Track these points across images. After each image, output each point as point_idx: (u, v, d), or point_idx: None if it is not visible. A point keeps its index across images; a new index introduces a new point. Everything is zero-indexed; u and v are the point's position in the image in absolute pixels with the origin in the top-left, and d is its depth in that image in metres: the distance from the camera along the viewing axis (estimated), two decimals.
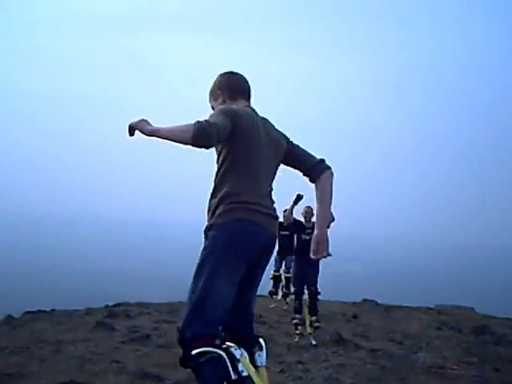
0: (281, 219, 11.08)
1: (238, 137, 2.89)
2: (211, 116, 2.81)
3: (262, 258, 3.07)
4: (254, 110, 3.16)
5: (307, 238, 8.21)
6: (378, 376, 6.42)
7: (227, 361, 2.79)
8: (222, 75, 3.28)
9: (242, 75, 3.30)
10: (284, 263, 11.42)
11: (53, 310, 10.25)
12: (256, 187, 2.94)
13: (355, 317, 10.54)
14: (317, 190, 3.15)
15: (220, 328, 2.88)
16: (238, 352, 2.86)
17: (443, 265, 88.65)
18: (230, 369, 2.78)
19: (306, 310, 8.47)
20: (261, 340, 3.12)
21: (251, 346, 3.05)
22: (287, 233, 10.81)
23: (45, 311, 10.15)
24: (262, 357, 3.10)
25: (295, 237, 8.71)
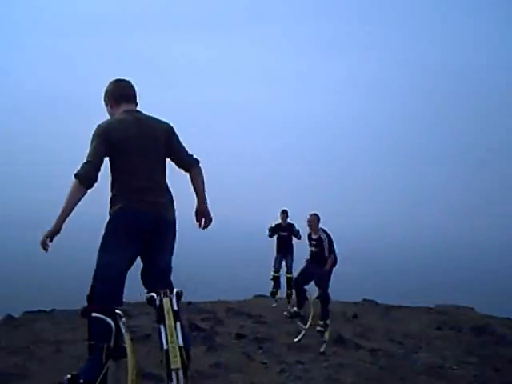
0: (278, 221, 11.38)
1: (112, 148, 3.67)
2: (88, 150, 3.68)
3: (153, 233, 3.78)
4: (136, 111, 3.87)
5: (313, 249, 8.36)
6: (377, 376, 6.42)
7: (113, 330, 3.64)
8: (109, 83, 3.93)
9: (126, 81, 3.94)
10: (285, 263, 11.45)
11: (53, 310, 10.25)
12: (134, 184, 3.71)
13: (355, 317, 10.54)
14: (191, 180, 4.09)
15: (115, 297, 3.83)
16: (124, 327, 3.72)
17: (443, 265, 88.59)
18: (113, 337, 3.66)
19: (312, 310, 8.46)
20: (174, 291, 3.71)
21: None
22: (286, 233, 10.99)
23: (45, 311, 10.14)
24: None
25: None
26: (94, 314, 3.65)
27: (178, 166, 4.07)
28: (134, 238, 3.80)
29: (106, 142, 3.66)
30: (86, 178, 3.60)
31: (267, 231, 11.34)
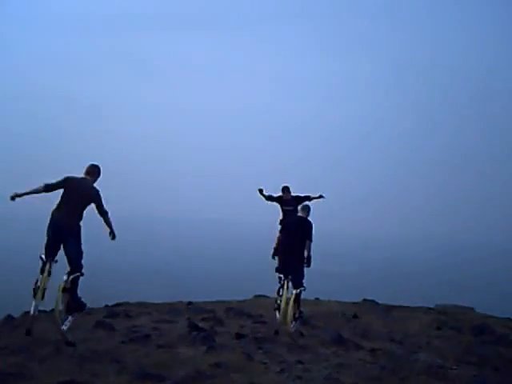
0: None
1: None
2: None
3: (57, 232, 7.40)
4: (84, 178, 7.53)
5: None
6: (378, 376, 6.42)
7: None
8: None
9: (90, 164, 7.66)
10: None
11: (53, 310, 10.23)
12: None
13: (355, 317, 10.53)
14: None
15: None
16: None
17: (443, 265, 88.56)
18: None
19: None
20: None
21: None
22: (291, 208, 10.41)
23: (45, 311, 10.13)
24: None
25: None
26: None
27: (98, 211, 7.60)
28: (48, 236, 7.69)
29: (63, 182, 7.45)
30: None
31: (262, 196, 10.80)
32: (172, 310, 10.25)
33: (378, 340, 8.52)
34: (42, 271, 7.11)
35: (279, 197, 10.88)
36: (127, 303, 11.17)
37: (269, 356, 7.06)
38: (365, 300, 12.82)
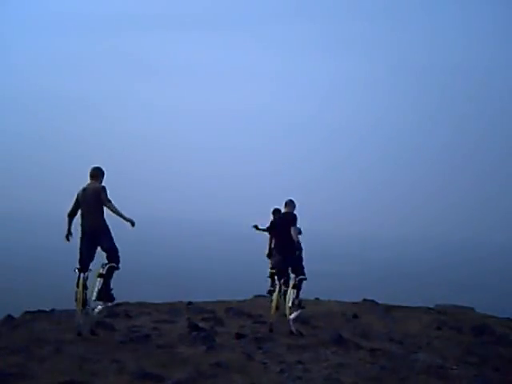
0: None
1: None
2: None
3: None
4: (88, 184, 8.13)
5: None
6: (377, 376, 6.42)
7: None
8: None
9: (91, 168, 8.19)
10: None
11: (53, 310, 10.23)
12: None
13: (355, 317, 10.53)
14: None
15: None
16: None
17: (443, 265, 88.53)
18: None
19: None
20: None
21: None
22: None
23: (45, 311, 10.13)
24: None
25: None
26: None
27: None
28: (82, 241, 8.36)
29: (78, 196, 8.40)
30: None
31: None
32: (172, 309, 10.25)
33: (378, 340, 8.51)
34: (78, 285, 7.94)
35: (272, 222, 10.67)
36: (127, 303, 11.15)
37: (269, 356, 7.06)
38: (365, 300, 12.80)
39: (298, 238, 9.15)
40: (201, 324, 8.73)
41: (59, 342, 7.21)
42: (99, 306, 8.09)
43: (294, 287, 9.09)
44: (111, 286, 8.13)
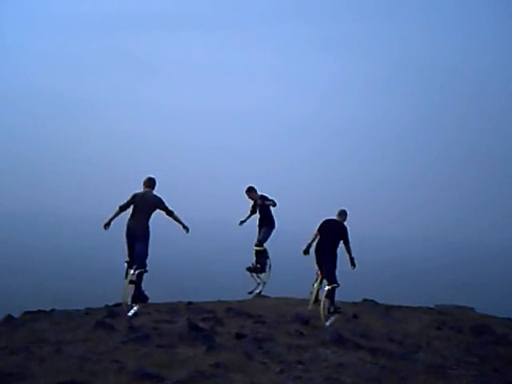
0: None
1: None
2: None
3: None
4: (147, 191, 9.43)
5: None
6: (378, 376, 6.42)
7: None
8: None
9: (147, 178, 9.50)
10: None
11: (53, 310, 10.23)
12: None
13: (355, 317, 10.53)
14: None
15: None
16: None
17: (443, 265, 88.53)
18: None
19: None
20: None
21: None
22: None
23: (45, 311, 10.13)
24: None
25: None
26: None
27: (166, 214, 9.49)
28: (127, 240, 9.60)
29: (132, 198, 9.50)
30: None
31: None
32: (172, 309, 10.25)
33: (378, 340, 8.51)
34: (127, 275, 9.14)
35: (253, 205, 11.88)
36: (127, 303, 11.15)
37: (269, 356, 7.06)
38: (365, 300, 12.79)
39: (352, 254, 10.03)
40: (201, 324, 8.73)
41: (59, 342, 7.22)
42: (134, 308, 9.10)
43: (327, 296, 9.67)
44: (143, 288, 9.26)
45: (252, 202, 11.95)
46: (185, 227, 9.52)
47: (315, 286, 10.08)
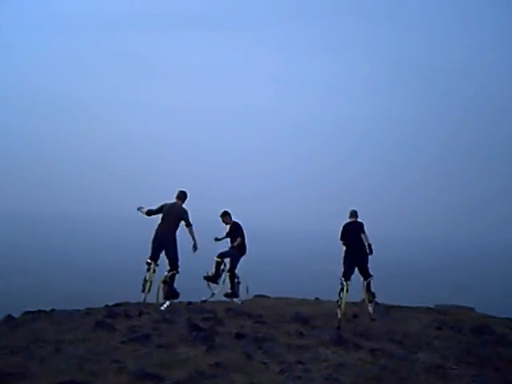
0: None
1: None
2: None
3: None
4: (175, 202, 10.56)
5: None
6: (378, 376, 6.42)
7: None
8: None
9: (178, 190, 10.60)
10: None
11: (53, 310, 10.24)
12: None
13: (355, 317, 10.54)
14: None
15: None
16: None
17: (443, 265, 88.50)
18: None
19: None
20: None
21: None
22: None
23: (45, 311, 10.14)
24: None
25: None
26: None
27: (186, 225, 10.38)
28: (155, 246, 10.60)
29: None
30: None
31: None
32: (172, 310, 10.25)
33: (378, 340, 8.51)
34: (148, 270, 10.07)
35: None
36: (127, 303, 11.17)
37: (269, 356, 7.06)
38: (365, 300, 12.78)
39: (369, 241, 10.66)
40: (201, 324, 8.73)
41: (59, 342, 7.22)
42: (167, 303, 10.25)
43: (367, 290, 10.73)
44: (175, 286, 10.40)
45: (227, 228, 12.18)
46: (194, 246, 10.38)
47: (343, 296, 10.27)
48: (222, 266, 11.97)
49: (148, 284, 9.97)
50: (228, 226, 12.22)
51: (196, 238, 10.34)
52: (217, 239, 12.25)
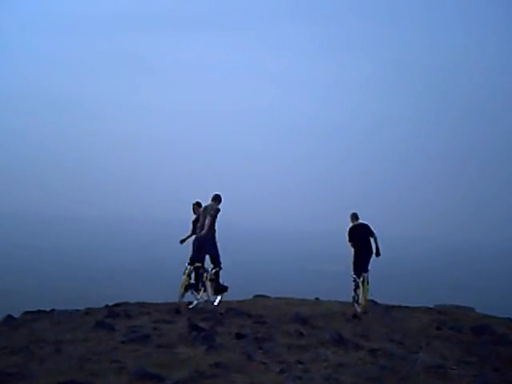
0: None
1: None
2: None
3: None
4: (209, 204, 11.08)
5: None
6: (378, 376, 6.42)
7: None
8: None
9: (213, 194, 11.15)
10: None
11: (53, 310, 10.24)
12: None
13: (355, 317, 10.54)
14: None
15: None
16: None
17: (443, 265, 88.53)
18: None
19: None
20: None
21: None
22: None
23: (45, 311, 10.14)
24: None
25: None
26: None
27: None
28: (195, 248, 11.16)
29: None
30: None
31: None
32: (172, 309, 10.25)
33: (378, 340, 8.51)
34: (184, 273, 10.73)
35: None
36: (127, 303, 11.17)
37: (269, 356, 7.06)
38: None
39: (378, 244, 11.66)
40: (201, 324, 8.74)
41: (59, 342, 7.22)
42: (218, 298, 10.79)
43: (367, 283, 11.36)
44: (221, 281, 10.85)
45: (194, 217, 11.55)
46: (185, 240, 11.42)
47: (361, 292, 11.12)
48: (201, 270, 10.94)
49: (182, 288, 10.56)
50: (195, 216, 11.57)
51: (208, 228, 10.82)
52: (183, 240, 11.53)
